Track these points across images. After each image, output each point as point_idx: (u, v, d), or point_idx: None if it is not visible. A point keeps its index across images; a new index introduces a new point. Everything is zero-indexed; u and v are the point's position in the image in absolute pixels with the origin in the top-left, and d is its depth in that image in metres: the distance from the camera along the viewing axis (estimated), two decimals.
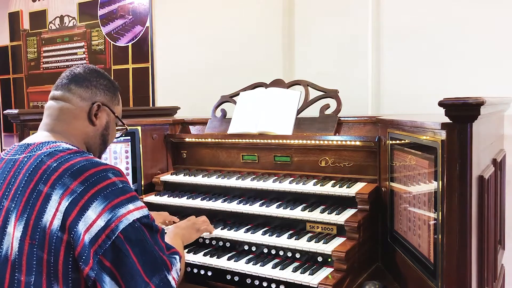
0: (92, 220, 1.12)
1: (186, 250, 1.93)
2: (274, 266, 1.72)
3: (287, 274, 1.67)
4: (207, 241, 1.98)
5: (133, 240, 1.16)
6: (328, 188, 1.93)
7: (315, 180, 2.04)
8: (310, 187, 1.96)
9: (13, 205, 1.18)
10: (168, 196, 2.25)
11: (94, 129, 1.43)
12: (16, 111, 2.28)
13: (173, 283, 1.23)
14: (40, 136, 1.35)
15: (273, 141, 2.17)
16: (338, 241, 1.75)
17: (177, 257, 1.31)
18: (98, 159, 1.26)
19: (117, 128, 1.55)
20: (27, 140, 1.34)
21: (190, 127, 2.55)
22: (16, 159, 1.27)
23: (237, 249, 1.93)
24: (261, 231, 1.91)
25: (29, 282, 1.12)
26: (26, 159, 1.25)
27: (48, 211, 1.14)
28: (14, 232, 1.16)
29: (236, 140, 2.26)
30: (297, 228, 1.92)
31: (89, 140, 1.42)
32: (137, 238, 1.17)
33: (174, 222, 2.01)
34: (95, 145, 1.45)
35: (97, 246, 1.11)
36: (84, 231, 1.11)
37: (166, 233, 1.99)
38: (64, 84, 1.41)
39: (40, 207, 1.15)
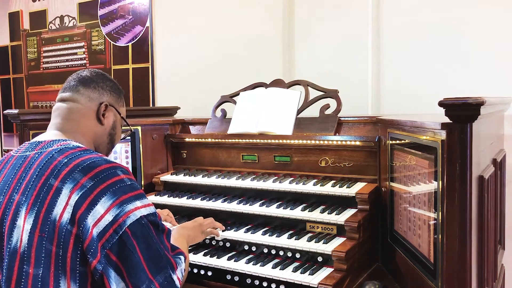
0: (101, 214, 1.15)
1: None
2: (274, 266, 1.72)
3: (287, 274, 1.67)
4: (207, 241, 1.98)
5: (140, 236, 1.18)
6: (328, 188, 1.93)
7: (315, 180, 2.04)
8: (310, 187, 1.96)
9: (23, 199, 1.21)
10: (168, 196, 2.25)
11: (102, 128, 1.47)
12: (16, 111, 2.28)
13: (177, 282, 1.24)
14: (50, 134, 1.39)
15: (273, 141, 2.17)
16: (338, 241, 1.75)
17: (182, 257, 1.33)
18: (107, 157, 1.29)
19: (122, 129, 1.59)
20: (37, 138, 1.38)
21: (190, 127, 2.55)
22: (26, 156, 1.30)
23: (237, 249, 1.93)
24: (261, 231, 1.91)
25: (37, 275, 1.14)
26: (37, 155, 1.28)
27: (58, 204, 1.16)
28: (24, 225, 1.18)
29: (236, 140, 2.26)
30: (297, 228, 1.92)
31: (97, 139, 1.47)
32: (143, 235, 1.19)
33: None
34: (103, 144, 1.49)
35: (105, 240, 1.13)
36: (92, 225, 1.13)
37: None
38: (72, 86, 1.46)
39: (51, 200, 1.17)
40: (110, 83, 1.52)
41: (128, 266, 1.15)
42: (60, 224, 1.14)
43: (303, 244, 1.76)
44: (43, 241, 1.15)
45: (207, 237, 1.95)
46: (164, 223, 2.00)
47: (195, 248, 1.96)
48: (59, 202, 1.16)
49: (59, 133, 1.39)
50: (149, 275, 1.17)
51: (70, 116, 1.42)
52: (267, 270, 1.71)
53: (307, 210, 1.90)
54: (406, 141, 1.62)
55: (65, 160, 1.22)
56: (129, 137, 2.37)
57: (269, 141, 2.18)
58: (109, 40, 3.82)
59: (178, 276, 1.25)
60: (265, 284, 1.70)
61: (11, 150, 1.43)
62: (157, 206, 2.21)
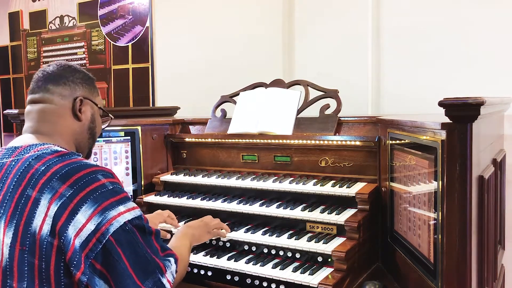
0: (82, 224, 1.11)
1: None
2: (274, 266, 1.72)
3: (287, 274, 1.67)
4: (207, 241, 1.97)
5: (124, 243, 1.15)
6: (328, 188, 1.93)
7: (315, 180, 2.04)
8: (310, 187, 1.96)
9: (1, 211, 1.17)
10: (168, 196, 2.25)
11: (80, 124, 1.41)
12: (16, 111, 2.28)
13: (167, 286, 1.22)
14: (26, 138, 1.32)
15: (273, 141, 2.17)
16: (338, 241, 1.75)
17: (172, 259, 1.30)
18: (87, 161, 1.24)
19: (102, 119, 1.53)
20: (14, 143, 1.31)
21: (190, 127, 2.55)
22: (3, 163, 1.25)
23: (237, 249, 1.93)
24: (261, 231, 1.91)
25: None
26: (13, 163, 1.23)
27: (37, 216, 1.12)
28: (4, 238, 1.14)
29: (236, 140, 2.26)
30: (297, 228, 1.92)
31: (77, 136, 1.41)
32: (128, 241, 1.16)
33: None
34: (83, 141, 1.44)
35: (88, 250, 1.10)
36: (74, 236, 1.10)
37: (171, 234, 1.99)
38: (40, 86, 1.38)
39: (29, 212, 1.13)
40: (80, 75, 1.42)
41: (115, 274, 1.12)
42: (40, 236, 1.11)
43: (303, 244, 1.76)
44: (25, 254, 1.11)
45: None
46: (164, 225, 2.01)
47: (195, 248, 1.95)
48: (38, 213, 1.12)
49: (35, 136, 1.32)
50: (137, 281, 1.15)
51: (45, 118, 1.35)
52: (267, 270, 1.71)
53: (307, 210, 1.89)
54: (406, 141, 1.62)
55: (43, 168, 1.17)
56: (129, 137, 2.37)
57: (269, 141, 2.17)
58: (109, 40, 3.82)
59: (169, 279, 1.23)
60: (265, 284, 1.70)
61: None
62: (157, 206, 2.22)
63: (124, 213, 1.17)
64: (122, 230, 1.15)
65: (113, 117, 1.60)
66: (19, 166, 1.21)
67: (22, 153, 1.25)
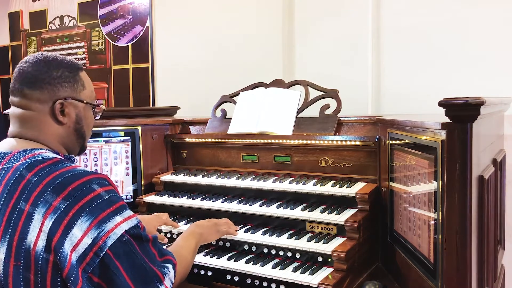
0: (79, 238, 1.08)
1: None
2: (274, 266, 1.72)
3: (287, 274, 1.66)
4: None
5: (122, 255, 1.13)
6: (328, 188, 1.93)
7: (315, 180, 2.04)
8: (310, 187, 1.96)
9: None
10: (168, 196, 2.25)
11: (64, 127, 1.32)
12: None
13: None
14: (14, 142, 1.26)
15: (273, 141, 2.17)
16: (338, 241, 1.75)
17: (170, 265, 1.29)
18: (81, 168, 1.19)
19: (94, 111, 1.42)
20: (1, 148, 1.25)
21: (190, 127, 2.55)
22: None
23: (237, 249, 1.92)
24: (261, 231, 1.91)
25: None
26: (3, 172, 1.17)
27: (31, 231, 1.08)
28: None
29: (236, 140, 2.26)
30: (297, 228, 1.92)
31: (64, 140, 1.33)
32: (126, 252, 1.14)
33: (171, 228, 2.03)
34: (72, 143, 1.36)
35: (85, 264, 1.08)
36: (70, 251, 1.07)
37: (172, 235, 1.99)
38: (17, 89, 1.28)
39: (23, 227, 1.09)
40: (57, 72, 1.29)
41: (113, 287, 1.11)
42: (35, 252, 1.08)
43: (303, 244, 1.76)
44: (20, 269, 1.08)
45: None
46: (165, 227, 2.01)
47: None
48: (32, 228, 1.08)
49: (23, 141, 1.26)
50: None
51: (27, 124, 1.27)
52: (267, 270, 1.71)
53: (307, 210, 1.89)
54: (406, 141, 1.62)
55: (35, 179, 1.13)
56: (129, 137, 2.37)
57: (269, 141, 2.17)
58: (109, 40, 3.82)
59: (167, 285, 1.23)
60: (265, 284, 1.70)
61: None
62: (157, 206, 2.22)
63: (121, 224, 1.15)
64: (120, 242, 1.13)
65: (105, 108, 1.51)
66: (9, 175, 1.16)
67: (12, 160, 1.19)
